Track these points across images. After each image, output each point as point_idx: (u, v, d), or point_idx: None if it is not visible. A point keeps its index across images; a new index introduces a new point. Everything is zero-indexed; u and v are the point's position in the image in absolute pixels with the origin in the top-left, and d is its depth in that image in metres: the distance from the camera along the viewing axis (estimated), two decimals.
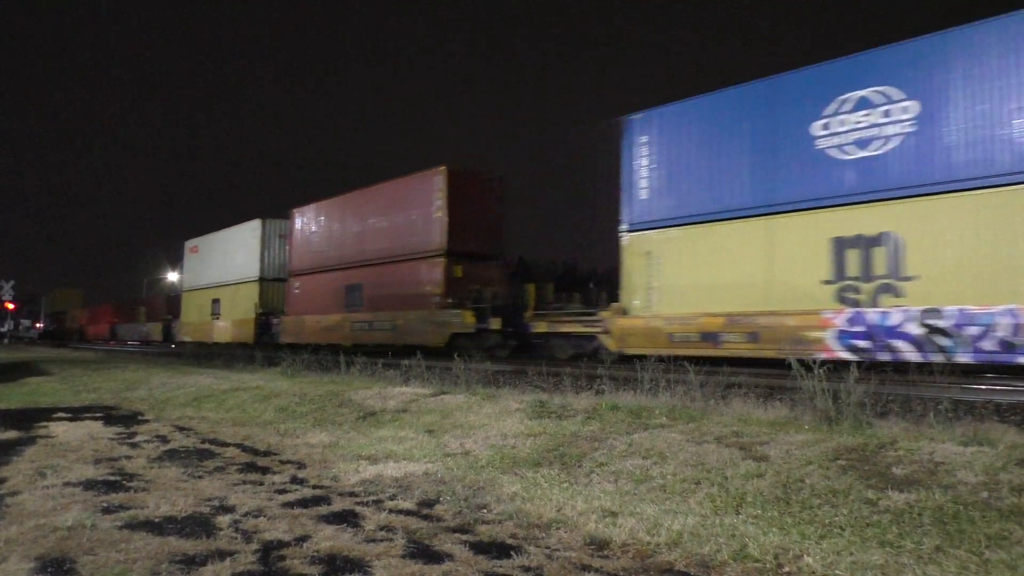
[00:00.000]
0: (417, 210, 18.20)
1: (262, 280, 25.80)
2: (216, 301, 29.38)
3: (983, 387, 8.28)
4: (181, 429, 7.95)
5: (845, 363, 7.55)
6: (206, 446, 6.80)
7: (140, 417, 9.08)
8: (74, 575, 3.23)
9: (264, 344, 24.53)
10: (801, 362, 6.53)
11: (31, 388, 13.58)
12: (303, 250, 23.65)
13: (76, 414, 9.23)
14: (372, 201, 20.23)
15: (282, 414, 8.86)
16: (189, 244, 33.16)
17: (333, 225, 22.11)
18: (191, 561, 3.40)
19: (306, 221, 23.63)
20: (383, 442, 6.66)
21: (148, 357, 25.46)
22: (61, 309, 71.42)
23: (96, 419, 8.75)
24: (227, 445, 6.87)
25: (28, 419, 8.63)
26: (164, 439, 7.21)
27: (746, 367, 10.43)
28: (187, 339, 31.80)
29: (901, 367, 9.27)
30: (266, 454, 6.41)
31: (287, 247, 25.31)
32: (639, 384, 8.03)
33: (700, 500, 4.39)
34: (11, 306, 41.76)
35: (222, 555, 3.49)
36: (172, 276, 63.55)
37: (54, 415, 9.04)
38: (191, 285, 32.66)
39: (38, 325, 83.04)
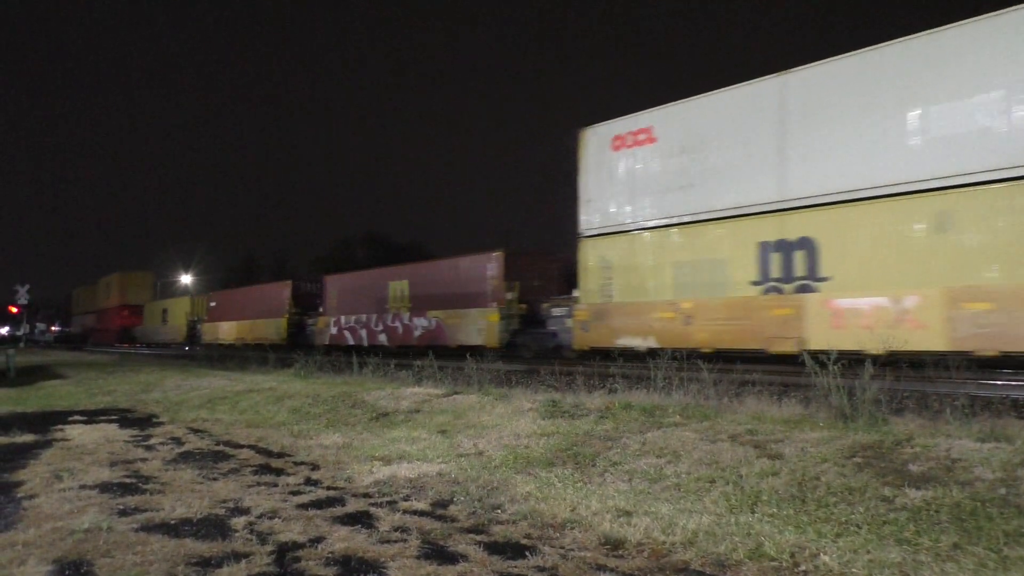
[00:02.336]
0: None
1: None
2: (804, 246, 11.29)
3: (1000, 382, 8.21)
4: (195, 431, 8.00)
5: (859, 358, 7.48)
6: (220, 448, 6.84)
7: (155, 419, 9.14)
8: None
9: None
10: (815, 359, 6.49)
11: (47, 391, 13.71)
12: None
13: (91, 417, 9.31)
14: None
15: (295, 415, 8.89)
16: (612, 128, 14.42)
17: None
18: (207, 563, 3.42)
19: None
20: (396, 443, 6.67)
21: (162, 359, 25.63)
22: (130, 301, 49.73)
23: (111, 422, 8.82)
24: (241, 447, 6.90)
25: (44, 422, 8.71)
26: (179, 441, 7.25)
27: (760, 364, 10.38)
28: (638, 344, 13.17)
29: (917, 363, 9.18)
30: (280, 456, 6.43)
31: None
32: (652, 382, 8.01)
33: (715, 499, 4.37)
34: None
35: (238, 557, 3.50)
36: (185, 279, 63.62)
37: (70, 418, 9.12)
38: (626, 221, 14.02)
39: (53, 329, 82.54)
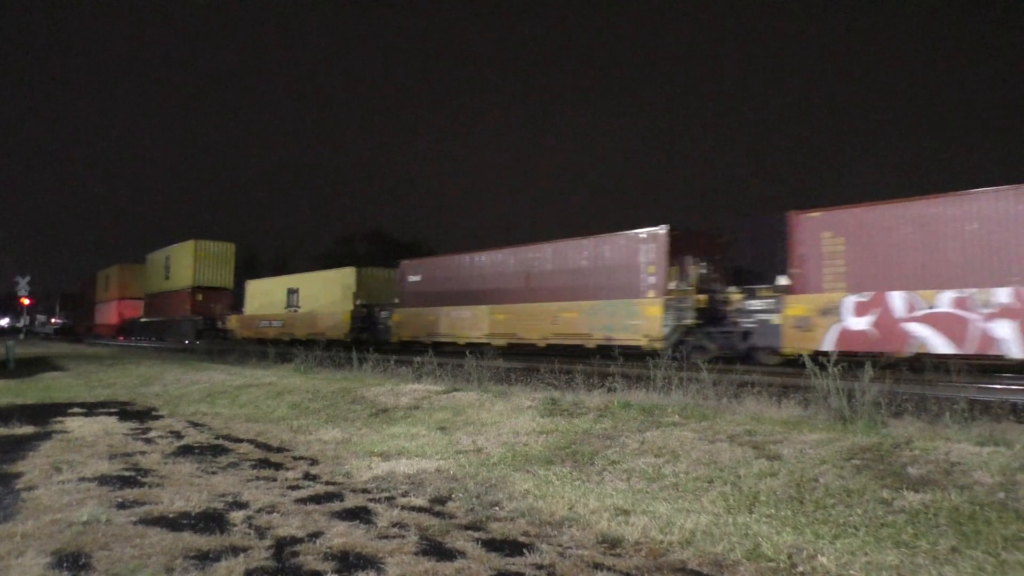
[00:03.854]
0: None
1: None
2: None
3: (999, 387, 8.21)
4: (195, 425, 8.00)
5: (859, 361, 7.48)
6: (220, 442, 6.84)
7: (154, 413, 9.15)
8: (89, 570, 3.26)
9: None
10: (815, 361, 6.49)
11: (47, 383, 13.71)
12: None
13: (91, 410, 9.31)
14: None
15: (295, 410, 8.90)
16: None
17: None
18: (205, 557, 3.42)
19: None
20: (395, 439, 6.67)
21: (162, 353, 25.64)
22: (204, 281, 34.80)
23: (111, 415, 8.82)
24: (240, 441, 6.91)
25: (44, 414, 8.71)
26: (178, 435, 7.26)
27: (760, 365, 10.38)
28: None
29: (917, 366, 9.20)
30: (279, 450, 6.44)
31: None
32: (651, 382, 8.00)
33: (713, 499, 4.37)
34: (26, 301, 39.58)
35: (236, 551, 3.50)
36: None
37: (69, 410, 9.12)
38: None
39: (54, 321, 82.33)
